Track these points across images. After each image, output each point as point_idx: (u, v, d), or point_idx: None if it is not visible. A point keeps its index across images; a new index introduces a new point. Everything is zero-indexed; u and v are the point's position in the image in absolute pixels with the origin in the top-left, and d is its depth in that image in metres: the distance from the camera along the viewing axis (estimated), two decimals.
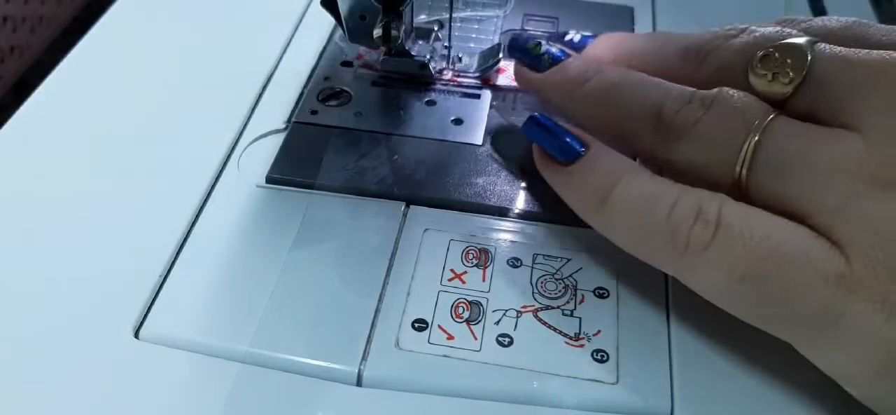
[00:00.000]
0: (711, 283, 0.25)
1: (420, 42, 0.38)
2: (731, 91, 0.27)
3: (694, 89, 0.28)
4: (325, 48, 0.40)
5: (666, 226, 0.25)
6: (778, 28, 0.28)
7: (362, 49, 0.39)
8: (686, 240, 0.24)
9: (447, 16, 0.38)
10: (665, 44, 0.31)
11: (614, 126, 0.29)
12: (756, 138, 0.25)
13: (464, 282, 0.29)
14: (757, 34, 0.28)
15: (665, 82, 0.28)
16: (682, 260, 0.25)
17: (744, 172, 0.25)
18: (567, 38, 0.35)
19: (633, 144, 0.29)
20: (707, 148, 0.26)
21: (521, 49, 0.33)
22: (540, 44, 0.33)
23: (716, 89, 0.27)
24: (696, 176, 0.26)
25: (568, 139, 0.29)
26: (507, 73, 0.38)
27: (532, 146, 0.30)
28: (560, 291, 0.28)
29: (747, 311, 0.25)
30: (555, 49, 0.32)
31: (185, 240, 0.30)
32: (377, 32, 0.34)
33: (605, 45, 0.33)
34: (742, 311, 0.25)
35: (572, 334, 0.27)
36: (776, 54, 0.26)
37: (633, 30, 0.43)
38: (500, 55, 0.38)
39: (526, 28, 0.43)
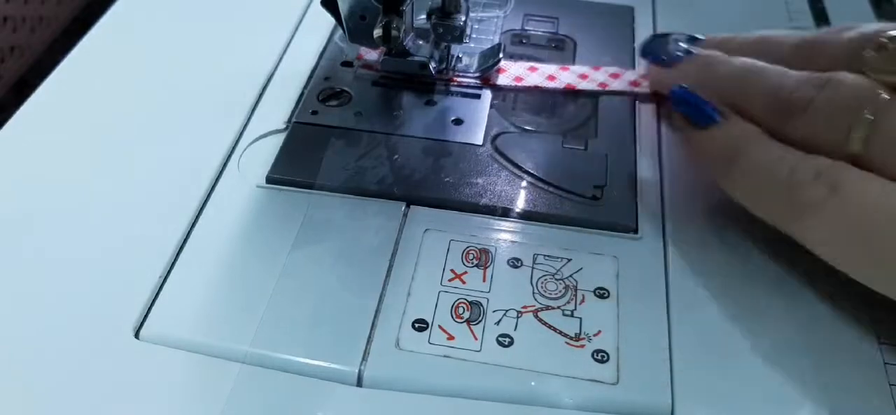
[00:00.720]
0: (825, 240, 0.26)
1: (420, 42, 0.37)
2: (845, 73, 0.28)
3: (810, 72, 0.29)
4: (325, 48, 0.40)
5: (786, 184, 0.27)
6: (886, 24, 0.29)
7: (362, 49, 0.39)
8: (804, 197, 0.26)
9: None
10: (777, 45, 0.33)
11: (739, 107, 0.31)
12: (870, 116, 0.26)
13: (464, 282, 0.29)
14: (866, 29, 0.30)
15: (784, 68, 0.30)
16: (800, 217, 0.27)
17: (857, 147, 0.26)
18: (666, 39, 0.36)
19: (761, 126, 0.30)
20: (821, 125, 0.28)
21: (652, 54, 0.36)
22: (668, 42, 0.35)
23: (830, 72, 0.28)
24: (815, 152, 0.27)
25: (708, 108, 0.31)
26: (507, 73, 0.38)
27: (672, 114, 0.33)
28: (560, 292, 0.28)
29: (859, 269, 0.26)
30: (682, 48, 0.35)
31: (185, 240, 0.30)
32: (377, 32, 0.34)
33: (709, 46, 0.35)
34: (854, 269, 0.26)
35: (572, 334, 0.27)
36: (890, 46, 0.28)
37: (633, 30, 0.43)
38: (500, 55, 0.38)
39: (526, 28, 0.43)
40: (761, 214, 0.29)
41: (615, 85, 0.38)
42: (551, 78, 0.38)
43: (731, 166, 0.29)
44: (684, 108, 0.32)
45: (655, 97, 0.37)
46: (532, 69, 0.38)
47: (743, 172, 0.29)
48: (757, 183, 0.28)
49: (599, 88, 0.37)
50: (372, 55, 0.39)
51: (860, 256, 0.26)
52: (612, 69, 0.38)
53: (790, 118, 0.29)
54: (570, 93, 0.38)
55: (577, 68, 0.39)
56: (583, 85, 0.38)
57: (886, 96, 0.26)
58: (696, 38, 0.36)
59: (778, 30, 0.34)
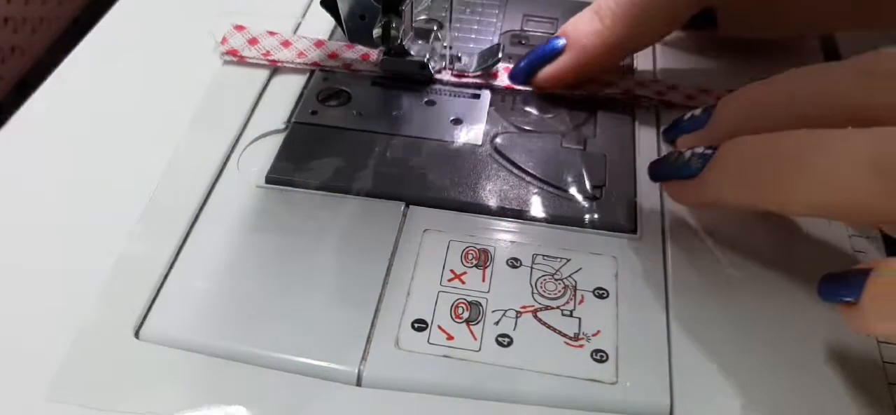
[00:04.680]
0: None
1: (419, 42, 0.38)
2: None
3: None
4: None
5: None
6: None
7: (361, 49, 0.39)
8: None
9: (446, 16, 0.38)
10: (828, 79, 0.27)
11: (820, 196, 0.24)
12: None
13: (463, 282, 0.29)
14: None
15: (873, 129, 0.24)
16: None
17: None
18: (686, 117, 0.32)
19: (851, 214, 0.25)
20: None
21: (665, 172, 0.30)
22: (681, 153, 0.29)
23: None
24: None
25: (844, 287, 0.24)
26: (501, 78, 0.38)
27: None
28: (559, 292, 0.29)
29: None
30: (699, 150, 0.28)
31: (185, 240, 0.30)
32: (377, 32, 0.34)
33: (734, 108, 0.29)
34: None
35: (572, 334, 0.27)
36: None
37: None
38: (500, 55, 0.38)
39: (525, 28, 0.43)
40: None
41: (608, 91, 0.37)
42: None
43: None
44: (829, 300, 0.25)
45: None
46: None
47: None
48: None
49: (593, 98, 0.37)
50: (352, 53, 0.38)
51: None
52: (608, 76, 0.38)
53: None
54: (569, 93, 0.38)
55: None
56: (577, 92, 0.37)
57: None
58: (708, 109, 0.30)
59: (803, 67, 0.28)
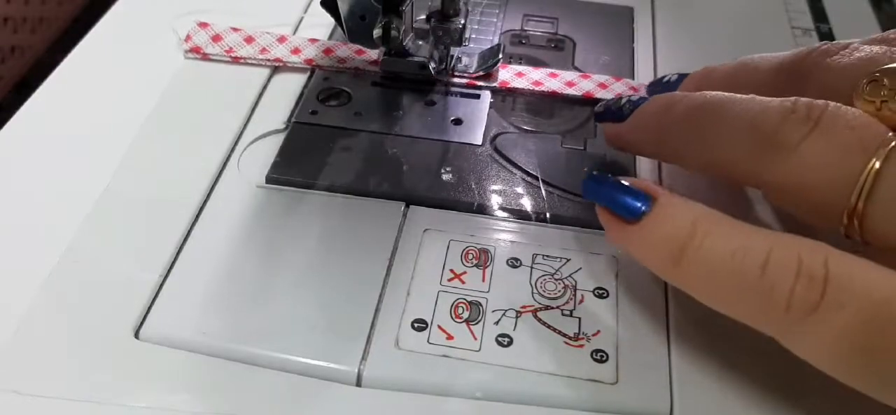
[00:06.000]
0: (821, 351, 0.21)
1: (420, 42, 0.38)
2: (843, 106, 0.23)
3: (796, 97, 0.24)
4: None
5: (760, 284, 0.22)
6: (884, 48, 0.25)
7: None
8: (787, 301, 0.21)
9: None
10: (755, 70, 0.29)
11: (710, 154, 0.26)
12: (877, 165, 0.22)
13: (463, 282, 0.29)
14: (862, 55, 0.25)
15: (761, 97, 0.25)
16: (784, 324, 0.22)
17: (860, 203, 0.22)
18: (664, 79, 0.34)
19: (733, 174, 0.26)
20: (817, 170, 0.23)
21: (605, 111, 0.32)
22: (620, 97, 0.31)
23: (823, 101, 0.24)
24: (802, 203, 0.24)
25: (629, 198, 0.25)
26: (494, 78, 0.38)
27: (595, 207, 0.27)
28: (559, 291, 0.29)
29: (868, 383, 0.21)
30: (635, 97, 0.30)
31: (185, 240, 0.30)
32: (377, 32, 0.34)
33: (692, 81, 0.32)
34: (862, 382, 0.21)
35: (572, 334, 0.27)
36: (885, 80, 0.23)
37: (632, 30, 0.43)
38: (500, 55, 0.38)
39: (526, 28, 0.43)
40: (734, 317, 0.23)
41: (601, 95, 0.37)
42: (537, 83, 0.38)
43: (677, 265, 0.23)
44: (602, 198, 0.26)
45: None
46: (520, 75, 0.38)
47: (694, 271, 0.23)
48: (717, 284, 0.23)
49: (584, 97, 0.37)
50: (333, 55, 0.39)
51: (872, 373, 0.21)
52: (601, 78, 0.38)
53: (775, 160, 0.24)
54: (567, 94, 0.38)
55: (566, 75, 0.38)
56: (568, 92, 0.37)
57: (895, 141, 0.22)
58: (683, 75, 0.32)
59: (760, 53, 0.30)
